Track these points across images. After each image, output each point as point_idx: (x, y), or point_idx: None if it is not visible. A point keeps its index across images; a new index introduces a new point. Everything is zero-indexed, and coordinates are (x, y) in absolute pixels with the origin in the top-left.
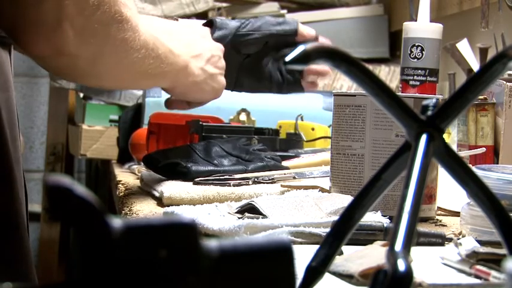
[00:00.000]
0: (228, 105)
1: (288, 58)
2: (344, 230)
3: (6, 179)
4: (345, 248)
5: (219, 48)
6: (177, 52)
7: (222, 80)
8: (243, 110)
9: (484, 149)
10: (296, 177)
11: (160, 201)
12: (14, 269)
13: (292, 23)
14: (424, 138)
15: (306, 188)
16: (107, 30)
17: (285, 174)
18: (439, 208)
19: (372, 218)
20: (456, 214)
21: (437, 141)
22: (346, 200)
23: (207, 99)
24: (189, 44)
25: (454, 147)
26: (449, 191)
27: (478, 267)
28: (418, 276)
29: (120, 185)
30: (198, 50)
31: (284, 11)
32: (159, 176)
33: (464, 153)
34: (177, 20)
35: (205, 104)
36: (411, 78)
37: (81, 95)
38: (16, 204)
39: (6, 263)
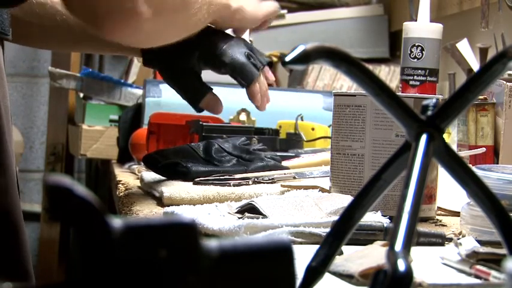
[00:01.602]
0: (228, 105)
1: (288, 58)
2: (344, 230)
3: (5, 175)
4: (345, 248)
5: None
6: None
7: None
8: (243, 110)
9: (484, 149)
10: (296, 177)
11: (160, 201)
12: (11, 267)
13: (251, 75)
14: (424, 138)
15: (306, 188)
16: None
17: (285, 174)
18: (439, 208)
19: (372, 218)
20: (456, 214)
21: (437, 141)
22: (346, 200)
23: (247, 27)
24: None
25: (454, 147)
26: (449, 191)
27: (478, 267)
28: (418, 276)
29: (120, 185)
30: None
31: (284, 11)
32: (159, 176)
33: (464, 153)
34: None
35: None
36: (411, 78)
37: (81, 95)
38: (11, 198)
39: (2, 261)
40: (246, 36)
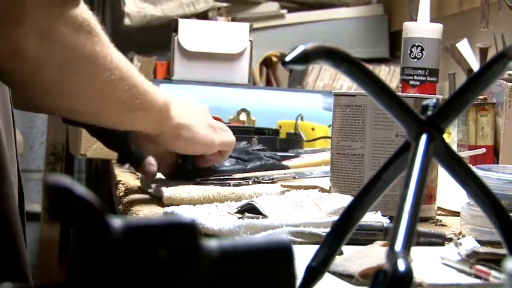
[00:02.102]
0: (228, 105)
1: (288, 58)
2: (344, 230)
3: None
4: (345, 248)
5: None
6: (155, 92)
7: (220, 133)
8: (243, 110)
9: (484, 150)
10: (296, 177)
11: (160, 201)
12: (7, 267)
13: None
14: (424, 138)
15: (306, 188)
16: (74, 37)
17: (285, 174)
18: (439, 208)
19: (372, 218)
20: (456, 214)
21: (437, 141)
22: (346, 200)
23: (198, 151)
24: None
25: (454, 147)
26: (449, 191)
27: (478, 267)
28: (418, 276)
29: (120, 185)
30: (182, 101)
31: (284, 11)
32: (159, 176)
33: (464, 154)
34: None
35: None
36: (411, 78)
37: None
38: (7, 203)
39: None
40: (245, 35)
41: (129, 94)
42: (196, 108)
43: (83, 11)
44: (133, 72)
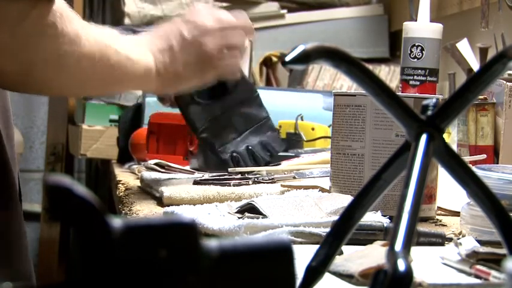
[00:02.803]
0: None
1: (288, 58)
2: (344, 230)
3: (2, 178)
4: (345, 248)
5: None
6: (136, 57)
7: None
8: None
9: (484, 156)
10: (296, 177)
11: (160, 201)
12: (10, 266)
13: None
14: (424, 138)
15: (306, 188)
16: (36, 44)
17: (285, 174)
18: (439, 208)
19: (372, 218)
20: (456, 214)
21: (437, 141)
22: (346, 200)
23: (198, 83)
24: (152, 38)
25: (454, 147)
26: (449, 191)
27: (478, 267)
28: (418, 276)
29: (120, 185)
30: (163, 37)
31: (284, 11)
32: (159, 176)
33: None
34: None
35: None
36: (411, 78)
37: None
38: (9, 203)
39: (1, 261)
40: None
41: (105, 73)
42: (180, 39)
43: (41, 17)
44: (110, 51)
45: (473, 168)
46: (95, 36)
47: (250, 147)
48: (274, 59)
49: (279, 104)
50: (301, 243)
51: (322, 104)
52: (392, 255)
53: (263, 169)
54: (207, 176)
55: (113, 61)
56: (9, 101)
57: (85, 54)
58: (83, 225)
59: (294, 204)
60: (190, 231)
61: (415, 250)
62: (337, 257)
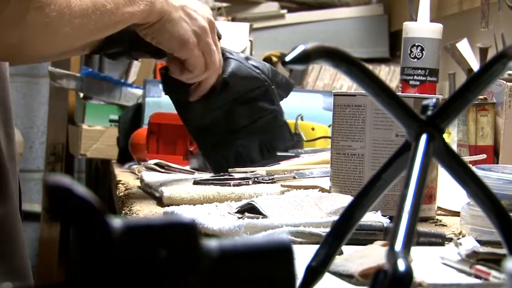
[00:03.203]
0: None
1: (288, 58)
2: (344, 230)
3: None
4: (345, 248)
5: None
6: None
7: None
8: None
9: (484, 156)
10: (296, 177)
11: (160, 201)
12: (4, 263)
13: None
14: (424, 138)
15: (306, 188)
16: (22, 20)
17: (285, 174)
18: (439, 208)
19: (372, 218)
20: (456, 214)
21: (437, 141)
22: (346, 200)
23: (172, 44)
24: None
25: (454, 147)
26: (449, 191)
27: (478, 267)
28: (418, 276)
29: (120, 185)
30: None
31: (284, 11)
32: (159, 176)
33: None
34: None
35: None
36: (411, 78)
37: (81, 95)
38: (6, 202)
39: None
40: (245, 35)
41: (101, 21)
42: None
43: None
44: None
45: (473, 168)
46: None
47: (240, 148)
48: (274, 59)
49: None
50: (301, 243)
51: (322, 104)
52: (392, 255)
53: (263, 169)
54: (207, 176)
55: (109, 6)
56: (10, 101)
57: (77, 12)
58: (83, 225)
59: (294, 204)
60: (190, 231)
61: (415, 250)
62: (337, 257)
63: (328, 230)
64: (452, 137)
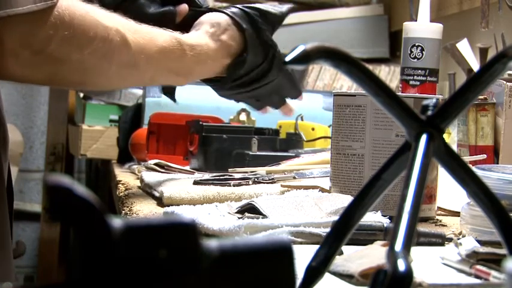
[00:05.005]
0: (228, 105)
1: (287, 58)
2: (344, 230)
3: None
4: (345, 248)
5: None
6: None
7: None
8: (243, 110)
9: (484, 156)
10: (296, 177)
11: (160, 201)
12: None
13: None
14: (424, 138)
15: (306, 188)
16: (62, 57)
17: (285, 174)
18: (439, 208)
19: (372, 218)
20: (456, 214)
21: (437, 141)
22: (346, 200)
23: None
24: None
25: (454, 147)
26: (449, 191)
27: (478, 267)
28: (418, 276)
29: (120, 185)
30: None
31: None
32: (159, 176)
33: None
34: None
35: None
36: (411, 78)
37: (81, 95)
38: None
39: None
40: None
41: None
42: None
43: (73, 30)
44: (135, 37)
45: (473, 168)
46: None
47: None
48: None
49: None
50: (301, 243)
51: (322, 104)
52: (392, 255)
53: (263, 169)
54: (207, 176)
55: (140, 40)
56: (2, 100)
57: (114, 47)
58: (83, 225)
59: (294, 204)
60: (190, 231)
61: (415, 250)
62: (337, 257)
63: (328, 230)
64: (452, 137)
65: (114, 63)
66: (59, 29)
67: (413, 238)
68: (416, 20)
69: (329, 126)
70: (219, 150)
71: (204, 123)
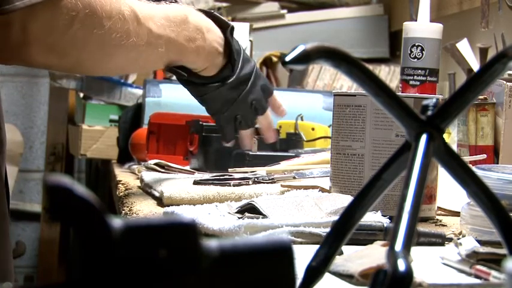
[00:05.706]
0: None
1: (288, 58)
2: (344, 230)
3: None
4: (345, 248)
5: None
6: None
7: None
8: None
9: (484, 156)
10: (296, 177)
11: (160, 201)
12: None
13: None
14: (424, 138)
15: (306, 188)
16: (85, 37)
17: (285, 174)
18: (439, 208)
19: (372, 218)
20: (456, 214)
21: (437, 141)
22: (346, 200)
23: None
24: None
25: (454, 147)
26: (449, 191)
27: (478, 267)
28: (418, 276)
29: (120, 185)
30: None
31: (284, 11)
32: (159, 176)
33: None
34: None
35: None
36: (411, 78)
37: (81, 95)
38: None
39: None
40: (245, 35)
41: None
42: None
43: (92, 14)
44: (148, 21)
45: (473, 168)
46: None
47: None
48: (274, 59)
49: None
50: (301, 243)
51: (322, 104)
52: (392, 255)
53: (263, 169)
54: (207, 176)
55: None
56: (2, 100)
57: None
58: (83, 225)
59: (294, 204)
60: (190, 231)
61: (415, 250)
62: (337, 257)
63: (328, 230)
64: (452, 137)
65: (132, 35)
66: (79, 8)
67: (413, 238)
68: (416, 20)
69: (329, 126)
70: (219, 150)
71: (204, 123)
